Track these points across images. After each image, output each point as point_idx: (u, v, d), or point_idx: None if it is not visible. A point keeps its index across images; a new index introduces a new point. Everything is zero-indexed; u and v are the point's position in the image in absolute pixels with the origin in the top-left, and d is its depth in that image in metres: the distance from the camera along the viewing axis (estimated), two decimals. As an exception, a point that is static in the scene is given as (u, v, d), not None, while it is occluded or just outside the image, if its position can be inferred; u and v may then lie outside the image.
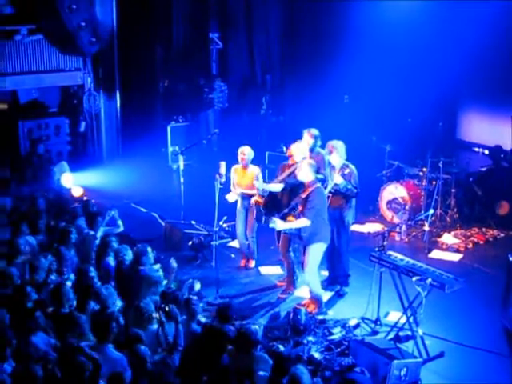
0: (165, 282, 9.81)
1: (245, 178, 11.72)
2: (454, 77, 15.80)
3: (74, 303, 8.65)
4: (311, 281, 10.31)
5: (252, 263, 12.11)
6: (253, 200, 11.29)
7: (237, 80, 19.30)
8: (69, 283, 9.21)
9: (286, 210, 10.25)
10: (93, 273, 9.41)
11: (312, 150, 11.13)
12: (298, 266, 11.06)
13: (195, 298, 9.07)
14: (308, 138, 11.14)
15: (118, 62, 17.26)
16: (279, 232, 10.92)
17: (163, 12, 17.86)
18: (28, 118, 16.46)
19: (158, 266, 10.03)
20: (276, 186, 10.92)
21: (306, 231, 10.03)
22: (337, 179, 10.63)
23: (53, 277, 9.52)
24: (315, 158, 10.86)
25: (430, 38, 15.86)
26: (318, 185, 10.13)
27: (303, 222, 9.97)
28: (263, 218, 10.90)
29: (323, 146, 11.13)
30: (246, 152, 11.69)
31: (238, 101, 19.21)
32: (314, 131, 11.19)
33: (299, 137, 11.25)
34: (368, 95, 16.96)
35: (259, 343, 8.14)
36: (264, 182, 11.58)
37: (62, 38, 15.64)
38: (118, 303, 8.91)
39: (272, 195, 10.98)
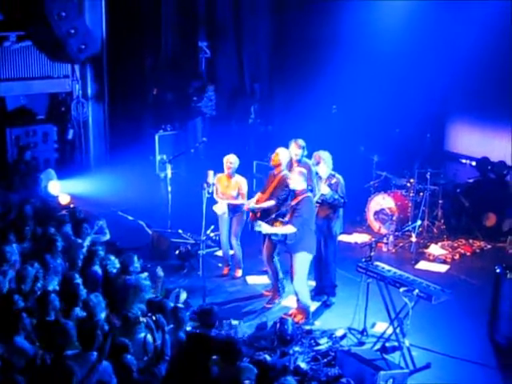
0: (152, 290, 9.78)
1: (229, 188, 11.74)
2: (441, 88, 15.88)
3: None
4: (300, 291, 10.31)
5: (239, 272, 12.10)
6: (245, 207, 11.33)
7: (225, 89, 19.28)
8: (53, 290, 9.16)
9: (273, 216, 10.31)
10: (78, 280, 9.35)
11: (299, 160, 11.16)
12: (285, 276, 11.06)
13: (182, 306, 9.04)
14: (295, 148, 11.18)
15: (107, 69, 17.23)
16: (265, 239, 10.93)
17: (152, 20, 17.85)
18: (16, 125, 16.39)
19: (145, 275, 9.99)
20: (268, 204, 10.92)
21: (291, 239, 10.04)
22: (323, 189, 10.66)
23: (39, 284, 9.46)
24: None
25: (418, 50, 15.91)
26: (309, 194, 10.18)
27: (289, 229, 10.00)
28: (250, 224, 10.96)
29: (310, 157, 11.15)
30: (232, 160, 11.69)
31: (227, 109, 19.20)
32: (301, 142, 11.23)
33: (286, 146, 11.28)
34: (356, 106, 16.98)
35: (243, 354, 8.10)
36: (252, 192, 11.61)
37: (50, 45, 15.59)
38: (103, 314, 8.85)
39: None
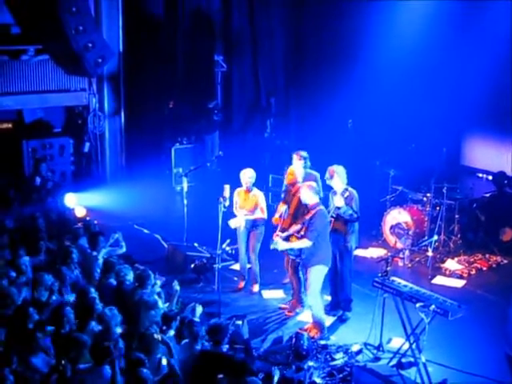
0: (167, 304, 9.78)
1: (247, 202, 11.74)
2: (458, 103, 15.83)
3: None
4: (313, 304, 10.31)
5: (256, 287, 12.06)
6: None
7: (241, 103, 19.34)
8: (69, 303, 9.18)
9: (290, 232, 10.34)
10: (94, 293, 9.36)
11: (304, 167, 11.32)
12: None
13: (198, 320, 9.02)
14: (297, 160, 11.25)
15: (124, 83, 17.30)
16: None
17: (169, 34, 17.95)
18: (32, 138, 16.47)
19: (158, 289, 9.99)
20: (295, 229, 10.70)
21: (305, 253, 10.04)
22: (338, 202, 10.63)
23: (54, 297, 9.48)
24: (307, 180, 11.02)
25: (434, 65, 15.91)
26: (321, 207, 10.20)
27: (304, 243, 10.05)
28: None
29: (319, 169, 11.18)
30: (249, 175, 11.70)
31: (243, 123, 19.25)
32: (303, 153, 11.44)
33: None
34: (372, 120, 16.98)
35: (253, 371, 8.09)
36: (268, 206, 11.64)
37: (68, 59, 15.66)
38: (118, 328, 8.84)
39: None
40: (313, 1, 18.67)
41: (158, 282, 10.35)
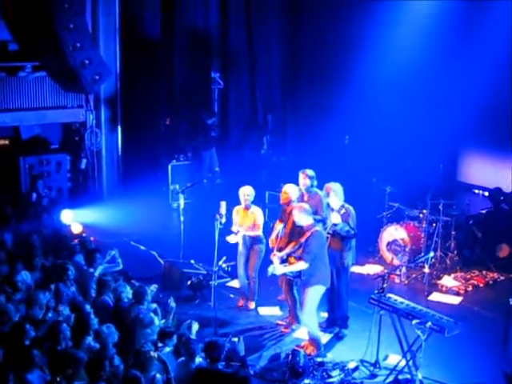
0: (163, 321, 9.77)
1: (246, 219, 11.73)
2: (454, 119, 15.88)
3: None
4: (308, 323, 10.29)
5: (252, 305, 12.04)
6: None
7: (238, 119, 19.39)
8: (65, 320, 9.16)
9: (286, 254, 10.34)
10: (89, 309, 9.35)
11: (308, 190, 11.20)
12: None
13: (194, 338, 9.00)
14: (303, 178, 11.22)
15: (121, 99, 17.33)
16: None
17: (166, 51, 18.01)
18: (29, 154, 16.47)
19: (154, 306, 9.98)
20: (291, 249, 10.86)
21: (305, 274, 10.05)
22: (335, 219, 10.63)
23: (50, 314, 9.47)
24: (312, 200, 10.99)
25: (430, 80, 15.97)
26: (317, 228, 10.16)
27: (301, 266, 10.04)
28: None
29: (321, 187, 11.17)
30: (248, 192, 11.70)
31: (240, 140, 19.29)
32: (310, 172, 11.29)
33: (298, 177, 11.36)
34: (369, 136, 17.03)
35: None
36: (265, 223, 11.61)
37: (65, 76, 15.71)
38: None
39: None
40: (310, 18, 18.78)
41: (153, 288, 10.28)
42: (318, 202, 11.04)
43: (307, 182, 11.22)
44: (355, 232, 10.79)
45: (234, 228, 11.79)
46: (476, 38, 15.05)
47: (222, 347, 8.70)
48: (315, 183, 11.34)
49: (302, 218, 10.15)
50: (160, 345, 8.75)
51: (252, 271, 11.83)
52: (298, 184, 11.34)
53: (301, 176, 11.27)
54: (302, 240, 10.12)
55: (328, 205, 10.91)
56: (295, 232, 10.78)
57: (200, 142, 18.31)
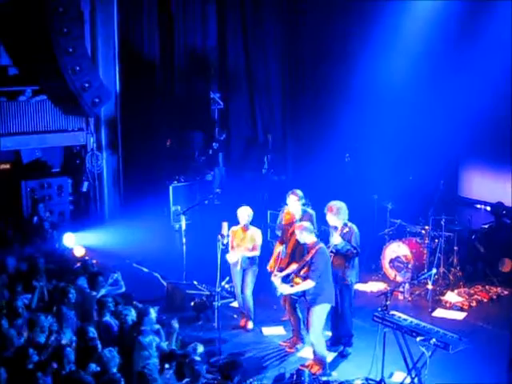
0: (166, 343, 9.74)
1: (245, 240, 11.71)
2: (454, 135, 15.94)
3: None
4: (316, 342, 10.25)
5: (250, 324, 11.98)
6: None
7: (238, 139, 19.44)
8: (68, 343, 9.14)
9: (292, 274, 10.35)
10: (93, 333, 9.32)
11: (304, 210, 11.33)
12: (304, 325, 11.00)
13: (198, 358, 8.96)
14: (294, 200, 11.31)
15: (121, 122, 17.39)
16: None
17: (165, 72, 18.10)
18: (31, 178, 16.50)
19: (157, 327, 9.95)
20: (292, 269, 10.78)
21: (310, 293, 10.03)
22: (336, 240, 10.63)
23: (53, 338, 9.44)
24: (303, 219, 11.01)
25: (430, 96, 16.03)
26: (321, 245, 10.18)
27: (308, 284, 10.04)
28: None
29: (323, 206, 11.20)
30: (247, 213, 11.70)
31: (240, 160, 19.32)
32: (298, 192, 11.43)
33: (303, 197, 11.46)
34: (369, 153, 17.05)
35: None
36: (266, 242, 11.62)
37: (65, 99, 15.80)
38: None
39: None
40: (308, 38, 18.87)
41: (154, 312, 10.23)
42: (310, 220, 11.12)
43: (300, 203, 11.35)
44: (358, 251, 10.77)
45: (230, 250, 11.76)
46: (475, 52, 15.10)
47: (240, 368, 8.72)
48: (303, 201, 11.49)
49: (305, 236, 10.18)
50: (167, 366, 8.73)
51: (247, 290, 11.81)
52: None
53: (291, 197, 11.37)
54: (308, 258, 10.11)
55: (335, 227, 10.89)
56: (297, 252, 10.82)
57: (202, 163, 18.35)
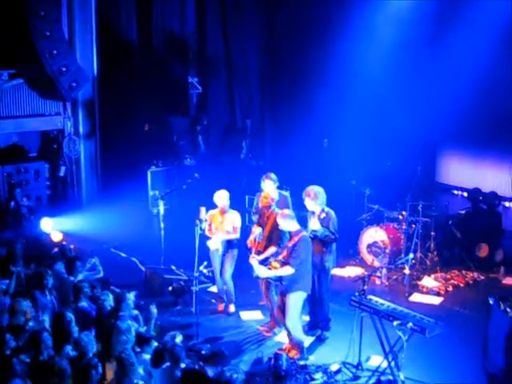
0: (144, 327, 9.73)
1: (224, 223, 11.72)
2: (432, 120, 15.97)
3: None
4: (293, 327, 10.27)
5: (232, 308, 12.04)
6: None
7: (217, 124, 19.38)
8: (45, 328, 9.11)
9: (270, 257, 10.36)
10: (70, 317, 9.29)
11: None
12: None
13: (179, 343, 8.95)
14: (270, 183, 11.39)
15: (98, 106, 17.28)
16: None
17: (143, 57, 17.99)
18: (7, 163, 16.37)
19: (135, 312, 9.93)
20: (270, 252, 10.92)
21: (287, 279, 10.04)
22: (314, 225, 10.65)
23: (30, 323, 9.40)
24: (279, 201, 11.11)
25: (408, 82, 16.02)
26: (304, 233, 10.18)
27: (287, 270, 10.01)
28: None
29: (299, 190, 11.23)
30: (224, 196, 11.69)
31: (218, 145, 19.28)
32: (272, 175, 11.51)
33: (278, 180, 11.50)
34: (347, 139, 17.05)
35: None
36: (245, 227, 11.65)
37: (42, 83, 15.64)
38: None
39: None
40: (286, 22, 18.81)
41: (132, 297, 10.20)
42: (285, 202, 11.16)
43: (275, 186, 11.40)
44: (336, 236, 10.80)
45: (207, 232, 11.75)
46: (455, 37, 15.09)
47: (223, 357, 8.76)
48: (277, 184, 11.56)
49: (288, 223, 10.18)
50: (138, 350, 8.71)
51: (227, 275, 11.83)
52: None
53: (267, 181, 11.43)
54: (290, 244, 10.12)
55: (312, 212, 10.92)
56: (274, 236, 10.84)
57: (178, 148, 18.31)
